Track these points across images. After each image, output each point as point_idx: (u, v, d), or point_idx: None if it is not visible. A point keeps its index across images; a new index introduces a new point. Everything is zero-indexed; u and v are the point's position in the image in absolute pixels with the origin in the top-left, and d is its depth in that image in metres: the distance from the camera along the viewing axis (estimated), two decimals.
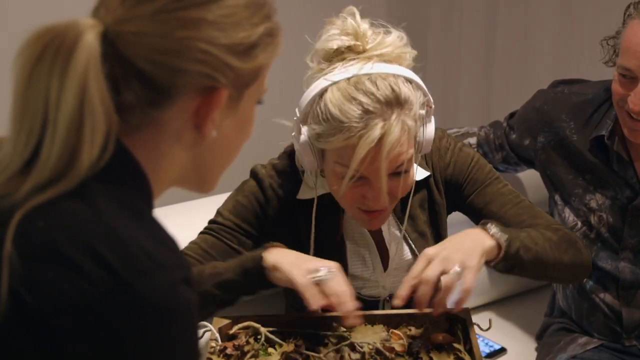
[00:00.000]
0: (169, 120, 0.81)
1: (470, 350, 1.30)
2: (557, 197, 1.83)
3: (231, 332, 1.35)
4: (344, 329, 1.34)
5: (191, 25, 0.78)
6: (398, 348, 1.31)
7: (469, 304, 1.37)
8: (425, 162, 1.53)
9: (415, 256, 1.53)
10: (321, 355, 1.29)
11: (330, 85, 1.31)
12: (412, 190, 1.46)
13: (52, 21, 0.77)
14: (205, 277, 1.35)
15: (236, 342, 1.33)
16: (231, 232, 1.48)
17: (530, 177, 2.08)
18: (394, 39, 1.37)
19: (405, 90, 1.31)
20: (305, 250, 1.45)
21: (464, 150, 1.55)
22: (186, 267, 0.79)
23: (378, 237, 1.53)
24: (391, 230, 1.54)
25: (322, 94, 1.32)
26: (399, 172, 1.35)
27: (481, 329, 1.35)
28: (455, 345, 1.32)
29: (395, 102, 1.30)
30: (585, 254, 1.50)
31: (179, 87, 0.79)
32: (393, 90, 1.29)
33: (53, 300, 0.71)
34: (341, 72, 1.32)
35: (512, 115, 1.96)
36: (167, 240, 0.79)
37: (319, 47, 1.37)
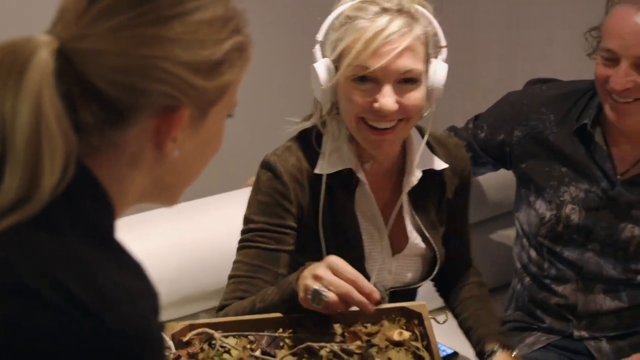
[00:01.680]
0: (129, 141, 0.78)
1: (428, 346, 1.29)
2: (528, 192, 1.85)
3: (185, 339, 1.32)
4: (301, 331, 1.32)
5: (152, 43, 0.75)
6: (355, 349, 1.29)
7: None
8: (444, 156, 1.56)
9: (428, 245, 1.55)
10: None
11: (351, 4, 1.39)
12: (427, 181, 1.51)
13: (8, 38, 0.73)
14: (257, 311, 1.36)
15: (190, 350, 1.29)
16: (266, 234, 1.46)
17: (488, 180, 2.12)
18: None
19: (419, 9, 1.39)
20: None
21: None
22: (154, 296, 0.76)
23: (388, 220, 1.54)
24: (407, 219, 1.55)
25: (340, 11, 1.40)
26: (408, 79, 1.38)
27: (438, 322, 1.34)
28: (413, 342, 1.30)
29: (406, 11, 1.37)
30: None
31: (139, 107, 0.76)
32: (411, 5, 1.38)
33: (20, 337, 0.67)
34: None
35: (477, 117, 1.98)
36: (134, 269, 0.77)
37: None
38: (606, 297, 1.78)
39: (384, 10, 1.36)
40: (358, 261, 1.48)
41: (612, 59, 1.62)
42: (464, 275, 1.69)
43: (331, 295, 1.20)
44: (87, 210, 0.75)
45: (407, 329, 1.33)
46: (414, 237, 1.55)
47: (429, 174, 1.52)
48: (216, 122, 0.84)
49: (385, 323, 1.35)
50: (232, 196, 1.87)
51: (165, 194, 0.86)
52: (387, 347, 1.30)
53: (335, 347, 1.28)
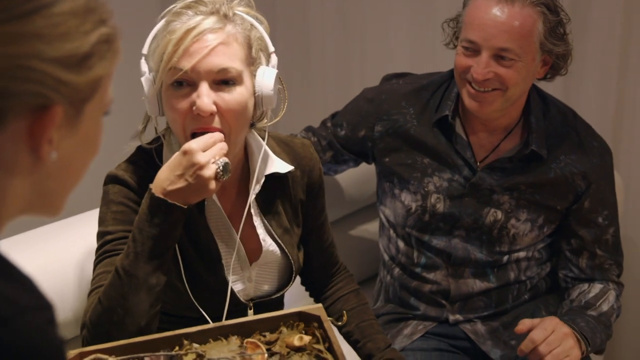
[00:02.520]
0: (2, 147, 0.71)
1: (330, 348, 1.28)
2: (392, 185, 1.87)
3: None
4: (197, 346, 1.26)
5: (13, 41, 0.68)
6: (258, 359, 1.26)
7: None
8: (289, 158, 1.53)
9: (282, 251, 1.51)
10: None
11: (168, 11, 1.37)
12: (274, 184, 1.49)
13: None
14: (126, 264, 1.30)
15: None
16: (125, 240, 1.36)
17: (344, 177, 2.13)
18: None
19: (238, 13, 1.37)
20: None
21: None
22: (49, 307, 0.71)
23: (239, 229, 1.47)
24: (257, 226, 1.50)
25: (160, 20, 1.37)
26: (225, 80, 1.34)
27: (335, 323, 1.34)
28: (315, 346, 1.29)
29: (222, 13, 1.35)
30: None
31: (6, 110, 0.69)
32: (223, 8, 1.35)
33: None
34: (181, 3, 1.36)
35: (334, 115, 1.99)
36: (23, 281, 0.71)
37: None
38: (476, 280, 1.84)
39: (197, 13, 1.34)
40: (218, 271, 1.44)
41: (473, 50, 1.68)
42: (335, 278, 1.69)
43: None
44: None
45: (307, 333, 1.31)
46: (268, 244, 1.51)
47: (275, 178, 1.49)
48: (92, 120, 0.79)
49: (284, 329, 1.32)
50: None
51: (48, 201, 0.80)
52: (288, 353, 1.28)
53: (238, 358, 1.24)
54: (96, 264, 1.39)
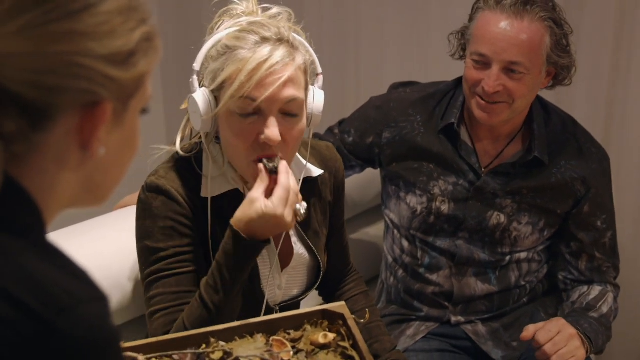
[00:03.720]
0: (53, 143, 0.74)
1: (355, 345, 1.31)
2: (398, 188, 1.91)
3: None
4: (223, 344, 1.28)
5: (63, 39, 0.71)
6: (284, 356, 1.28)
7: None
8: (317, 161, 1.58)
9: (312, 254, 1.55)
10: None
11: (227, 33, 1.37)
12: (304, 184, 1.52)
13: None
14: (216, 300, 1.35)
15: None
16: (179, 257, 1.41)
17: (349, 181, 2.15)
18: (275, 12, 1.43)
19: (297, 37, 1.39)
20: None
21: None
22: (104, 298, 0.74)
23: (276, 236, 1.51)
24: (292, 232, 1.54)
25: (218, 40, 1.37)
26: (290, 113, 1.37)
27: (359, 321, 1.36)
28: (340, 343, 1.31)
29: (285, 40, 1.36)
30: None
31: (58, 106, 0.72)
32: (289, 33, 1.37)
33: None
34: (232, 22, 1.38)
35: (341, 122, 2.02)
36: (79, 274, 0.74)
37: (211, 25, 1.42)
38: (477, 281, 1.89)
39: (264, 40, 1.34)
40: (252, 282, 1.47)
41: (484, 63, 1.73)
42: (347, 278, 1.73)
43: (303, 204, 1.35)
44: (19, 221, 0.73)
45: (331, 331, 1.34)
46: (299, 248, 1.55)
47: (306, 182, 1.53)
48: (134, 116, 0.82)
49: (308, 327, 1.34)
50: None
51: (95, 194, 0.83)
52: (313, 350, 1.30)
53: (267, 356, 1.26)
54: (150, 281, 1.42)
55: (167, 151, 1.47)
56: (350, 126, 1.99)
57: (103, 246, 1.64)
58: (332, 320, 1.35)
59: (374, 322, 1.68)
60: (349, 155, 1.98)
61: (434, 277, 1.91)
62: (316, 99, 1.43)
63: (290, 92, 1.35)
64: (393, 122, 1.92)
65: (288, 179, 1.33)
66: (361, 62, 2.77)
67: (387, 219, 1.99)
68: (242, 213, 1.33)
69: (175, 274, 1.41)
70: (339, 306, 1.35)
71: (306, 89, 1.41)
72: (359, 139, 1.96)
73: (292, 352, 1.29)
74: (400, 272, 1.96)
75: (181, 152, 1.44)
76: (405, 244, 1.94)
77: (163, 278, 1.41)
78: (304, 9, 2.76)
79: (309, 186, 1.55)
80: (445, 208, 1.87)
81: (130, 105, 0.79)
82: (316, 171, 1.55)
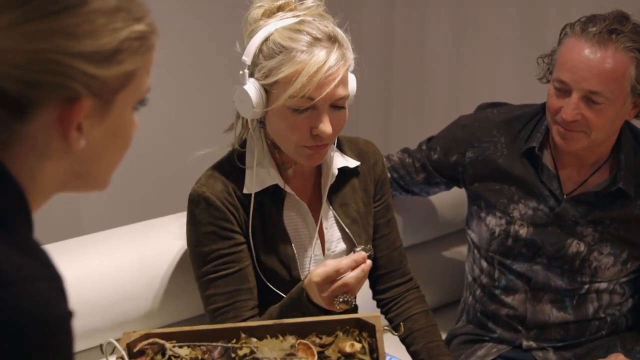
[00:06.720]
0: (34, 133, 0.79)
1: (377, 359, 1.30)
2: (479, 209, 1.90)
3: (135, 349, 1.31)
4: (254, 340, 1.32)
5: (43, 38, 0.76)
6: None
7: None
8: (354, 154, 1.68)
9: (349, 241, 1.64)
10: None
11: (275, 29, 1.46)
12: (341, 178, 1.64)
13: None
14: None
15: (142, 359, 1.29)
16: (225, 259, 1.55)
17: (440, 199, 2.18)
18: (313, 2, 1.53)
19: (340, 32, 1.50)
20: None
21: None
22: (57, 279, 0.77)
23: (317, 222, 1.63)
24: (328, 218, 1.64)
25: (268, 36, 1.46)
26: (339, 105, 1.49)
27: (394, 333, 1.36)
28: (361, 355, 1.31)
29: (335, 39, 1.47)
30: None
31: (37, 100, 0.78)
32: (333, 30, 1.48)
33: None
34: (281, 20, 1.48)
35: (430, 139, 2.03)
36: (37, 253, 0.78)
37: (250, 15, 1.51)
38: (553, 308, 1.83)
39: (316, 40, 1.44)
40: (292, 273, 1.58)
41: (565, 90, 1.68)
42: (406, 294, 1.74)
43: (350, 298, 1.41)
44: None
45: (359, 341, 1.34)
46: (337, 235, 1.64)
47: (345, 172, 1.64)
48: (123, 111, 0.85)
49: (340, 334, 1.35)
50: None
51: (88, 181, 0.88)
52: (339, 358, 1.31)
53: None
54: (202, 283, 1.57)
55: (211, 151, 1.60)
56: (437, 143, 1.98)
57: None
58: (362, 330, 1.35)
59: (435, 341, 1.68)
60: (433, 172, 1.98)
61: (509, 299, 1.87)
62: (351, 84, 1.53)
63: (343, 90, 1.48)
64: (477, 141, 1.90)
65: (353, 277, 1.40)
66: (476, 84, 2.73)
67: (469, 238, 1.97)
68: (313, 270, 1.45)
69: (222, 276, 1.54)
70: (373, 317, 1.35)
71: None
72: (443, 156, 1.95)
73: (316, 358, 1.30)
74: (478, 292, 1.94)
75: (236, 146, 1.59)
76: (484, 264, 1.91)
77: (213, 280, 1.55)
78: None
79: (346, 176, 1.65)
80: (523, 232, 1.83)
81: (116, 100, 0.83)
82: (352, 162, 1.65)
